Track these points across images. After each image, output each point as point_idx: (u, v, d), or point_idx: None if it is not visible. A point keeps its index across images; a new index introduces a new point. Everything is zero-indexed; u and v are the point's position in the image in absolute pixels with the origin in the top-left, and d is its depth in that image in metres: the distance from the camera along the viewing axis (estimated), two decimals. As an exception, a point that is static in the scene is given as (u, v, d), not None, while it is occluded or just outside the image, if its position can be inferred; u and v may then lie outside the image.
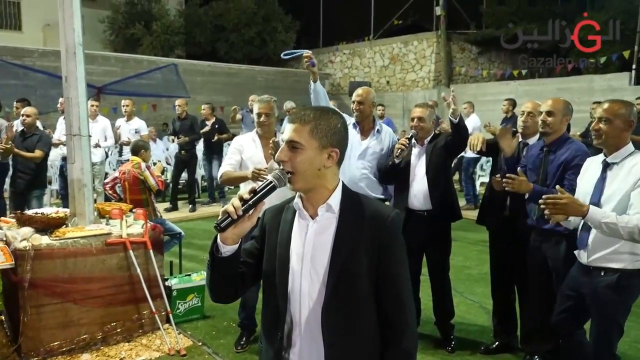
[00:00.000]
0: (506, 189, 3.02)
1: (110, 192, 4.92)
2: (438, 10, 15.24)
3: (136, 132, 7.93)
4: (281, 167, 1.55)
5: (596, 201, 2.61)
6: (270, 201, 1.59)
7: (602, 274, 2.63)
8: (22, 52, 11.68)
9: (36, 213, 3.91)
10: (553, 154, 3.14)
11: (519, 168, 3.09)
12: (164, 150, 10.70)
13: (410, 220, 3.72)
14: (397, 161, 3.65)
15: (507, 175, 2.99)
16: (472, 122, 9.98)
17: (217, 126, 8.66)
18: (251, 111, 8.23)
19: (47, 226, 3.74)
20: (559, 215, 2.57)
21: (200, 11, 17.19)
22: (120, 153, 8.18)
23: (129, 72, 13.02)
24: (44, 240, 3.60)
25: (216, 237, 1.53)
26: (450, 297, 3.96)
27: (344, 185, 1.62)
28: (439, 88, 14.92)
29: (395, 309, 1.57)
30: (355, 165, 3.82)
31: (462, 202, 8.88)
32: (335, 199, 1.57)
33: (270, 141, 3.51)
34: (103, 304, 3.77)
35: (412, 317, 1.61)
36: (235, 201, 1.47)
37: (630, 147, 2.64)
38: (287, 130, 1.55)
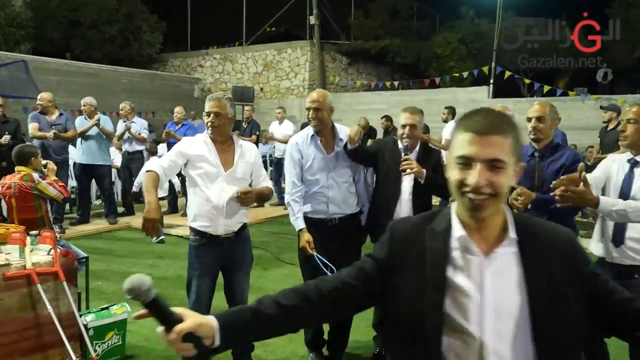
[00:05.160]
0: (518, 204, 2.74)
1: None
2: (312, 20, 15.36)
3: None
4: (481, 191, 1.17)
5: (626, 195, 2.59)
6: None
7: None
8: None
9: None
10: (546, 159, 3.06)
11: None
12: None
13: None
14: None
15: (518, 191, 2.71)
16: (287, 129, 9.17)
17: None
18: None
19: None
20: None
21: (52, 3, 15.25)
22: None
23: (-34, 68, 11.06)
24: None
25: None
26: None
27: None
28: (315, 96, 15.01)
29: None
30: (329, 183, 3.36)
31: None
32: (512, 228, 1.23)
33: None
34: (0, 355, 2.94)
35: None
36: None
37: None
38: (479, 143, 1.18)
